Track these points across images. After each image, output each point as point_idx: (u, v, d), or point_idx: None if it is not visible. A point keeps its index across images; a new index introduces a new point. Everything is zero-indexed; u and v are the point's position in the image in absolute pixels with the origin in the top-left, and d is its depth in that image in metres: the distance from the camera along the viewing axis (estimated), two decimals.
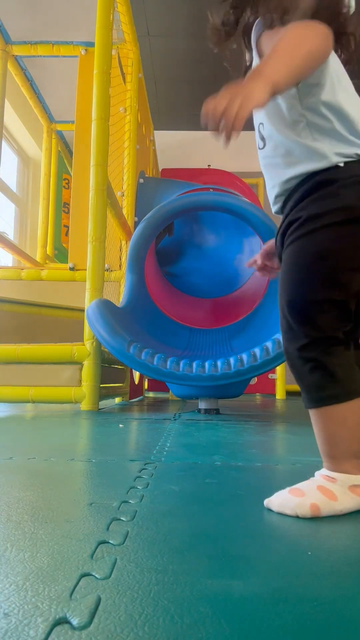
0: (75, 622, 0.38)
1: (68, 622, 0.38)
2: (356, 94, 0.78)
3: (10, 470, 0.95)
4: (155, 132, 4.95)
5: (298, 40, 0.71)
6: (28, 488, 0.82)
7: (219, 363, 2.10)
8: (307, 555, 0.53)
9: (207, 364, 2.10)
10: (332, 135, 0.75)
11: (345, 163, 0.74)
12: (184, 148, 6.04)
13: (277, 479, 0.94)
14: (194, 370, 2.07)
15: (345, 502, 0.68)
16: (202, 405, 2.42)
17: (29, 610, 0.40)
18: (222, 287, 3.19)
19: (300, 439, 1.49)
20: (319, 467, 1.03)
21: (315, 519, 0.67)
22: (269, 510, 0.70)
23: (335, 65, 0.77)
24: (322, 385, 0.71)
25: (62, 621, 0.38)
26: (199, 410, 2.42)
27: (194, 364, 2.10)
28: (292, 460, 1.12)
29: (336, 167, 0.74)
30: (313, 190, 0.75)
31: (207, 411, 2.39)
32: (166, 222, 2.62)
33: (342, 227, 0.72)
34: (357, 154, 0.74)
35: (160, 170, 5.03)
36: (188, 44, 4.64)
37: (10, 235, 5.06)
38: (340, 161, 0.74)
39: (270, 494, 0.74)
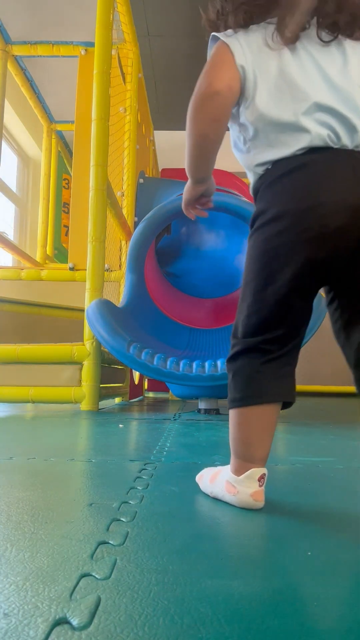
0: (75, 622, 0.38)
1: (68, 622, 0.38)
2: (296, 81, 0.72)
3: (10, 470, 0.95)
4: (155, 132, 4.94)
5: (188, 128, 0.78)
6: (28, 488, 0.82)
7: (219, 363, 2.10)
8: (307, 555, 0.53)
9: (207, 364, 2.10)
10: (257, 146, 0.76)
11: (265, 170, 0.75)
12: (184, 148, 6.03)
13: (276, 479, 0.94)
14: (194, 370, 2.07)
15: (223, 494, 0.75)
16: (202, 405, 2.42)
17: (29, 610, 0.40)
18: (222, 287, 3.19)
19: (300, 439, 1.49)
20: (318, 467, 1.04)
21: (316, 519, 0.67)
22: (270, 510, 0.70)
23: (258, 70, 0.74)
24: (230, 390, 0.76)
25: (62, 621, 0.38)
26: (199, 410, 2.42)
27: (194, 364, 2.10)
28: (291, 460, 1.12)
29: (260, 176, 0.76)
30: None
31: (207, 411, 2.39)
32: (166, 222, 2.62)
33: (255, 233, 0.74)
34: (272, 160, 0.74)
35: (160, 170, 5.03)
36: (188, 44, 4.64)
37: (10, 235, 5.06)
38: (261, 170, 0.76)
39: (269, 494, 0.74)
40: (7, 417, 2.14)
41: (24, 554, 0.52)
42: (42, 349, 2.41)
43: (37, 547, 0.54)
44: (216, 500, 0.76)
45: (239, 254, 3.26)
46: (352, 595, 0.44)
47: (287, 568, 0.50)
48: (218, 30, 0.80)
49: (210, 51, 0.79)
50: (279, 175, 0.72)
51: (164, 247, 3.35)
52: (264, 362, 0.72)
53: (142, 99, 3.83)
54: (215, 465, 0.85)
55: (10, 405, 2.69)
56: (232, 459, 0.75)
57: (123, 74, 3.37)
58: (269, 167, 0.74)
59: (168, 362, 2.08)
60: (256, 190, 0.77)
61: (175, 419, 2.07)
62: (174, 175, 4.36)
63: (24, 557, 0.51)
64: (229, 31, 0.78)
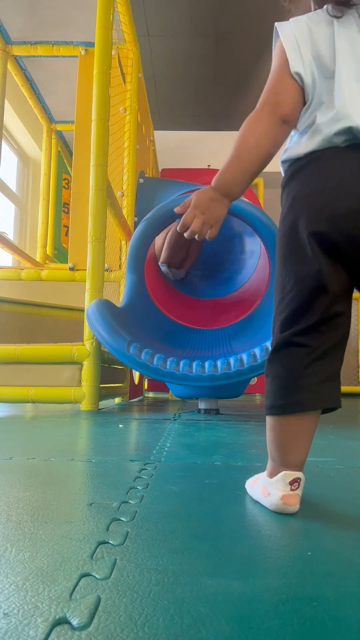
0: (75, 622, 0.38)
1: (68, 622, 0.38)
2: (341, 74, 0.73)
3: (10, 470, 0.95)
4: (155, 132, 4.94)
5: (243, 139, 0.75)
6: (28, 488, 0.82)
7: (219, 363, 2.10)
8: (307, 555, 0.53)
9: (207, 364, 2.10)
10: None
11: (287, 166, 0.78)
12: (184, 148, 6.04)
13: None
14: (194, 370, 2.07)
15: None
16: (202, 405, 2.42)
17: (29, 610, 0.40)
18: (222, 287, 3.19)
19: None
20: (317, 467, 1.04)
21: (316, 519, 0.67)
22: (270, 511, 0.70)
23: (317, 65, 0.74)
24: (267, 394, 0.73)
25: (62, 621, 0.38)
26: (199, 410, 2.42)
27: (194, 364, 2.10)
28: None
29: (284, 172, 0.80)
30: None
31: (207, 411, 2.39)
32: (166, 222, 2.62)
33: (279, 228, 0.76)
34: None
35: (160, 170, 5.03)
36: (188, 44, 4.64)
37: (10, 235, 5.06)
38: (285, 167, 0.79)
39: None
40: (7, 417, 2.14)
41: (24, 554, 0.52)
42: (42, 349, 2.41)
43: (37, 547, 0.54)
44: (216, 500, 0.76)
45: (239, 254, 3.25)
46: (352, 595, 0.44)
47: (286, 568, 0.50)
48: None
49: (274, 49, 0.78)
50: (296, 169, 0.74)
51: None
52: (304, 365, 0.69)
53: (142, 99, 3.83)
54: (216, 465, 0.85)
55: (10, 405, 2.69)
56: (268, 462, 0.74)
57: (123, 74, 3.37)
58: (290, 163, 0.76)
59: (168, 362, 2.08)
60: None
61: (175, 419, 2.07)
62: (174, 175, 4.36)
63: (24, 557, 0.51)
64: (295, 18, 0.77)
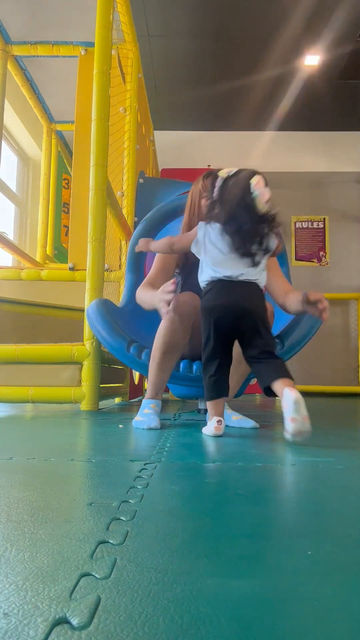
0: (75, 622, 0.38)
1: (68, 622, 0.38)
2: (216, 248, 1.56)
3: (10, 470, 0.95)
4: (155, 132, 4.95)
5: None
6: (28, 488, 0.82)
7: None
8: (307, 555, 0.53)
9: None
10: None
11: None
12: (184, 148, 6.04)
13: (277, 479, 0.94)
14: (194, 371, 2.07)
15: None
16: (202, 405, 2.42)
17: (28, 610, 0.40)
18: None
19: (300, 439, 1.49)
20: (318, 467, 1.04)
21: (316, 519, 0.67)
22: (269, 510, 0.70)
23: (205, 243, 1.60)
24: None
25: (62, 621, 0.38)
26: (199, 410, 2.42)
27: (194, 364, 2.10)
28: (292, 460, 1.12)
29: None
30: None
31: (207, 411, 2.38)
32: (166, 222, 2.62)
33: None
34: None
35: (160, 170, 5.03)
36: (188, 44, 4.64)
37: (10, 235, 5.06)
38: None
39: (270, 494, 0.74)
40: (7, 417, 2.14)
41: (23, 554, 0.52)
42: (42, 349, 2.41)
43: (37, 547, 0.54)
44: (215, 500, 0.76)
45: None
46: (352, 595, 0.44)
47: (287, 568, 0.50)
48: None
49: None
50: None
51: None
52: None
53: (142, 99, 3.83)
54: (217, 465, 0.85)
55: (10, 405, 2.69)
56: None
57: (123, 74, 3.38)
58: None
59: None
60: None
61: (175, 419, 2.07)
62: (174, 175, 4.37)
63: (24, 557, 0.51)
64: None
